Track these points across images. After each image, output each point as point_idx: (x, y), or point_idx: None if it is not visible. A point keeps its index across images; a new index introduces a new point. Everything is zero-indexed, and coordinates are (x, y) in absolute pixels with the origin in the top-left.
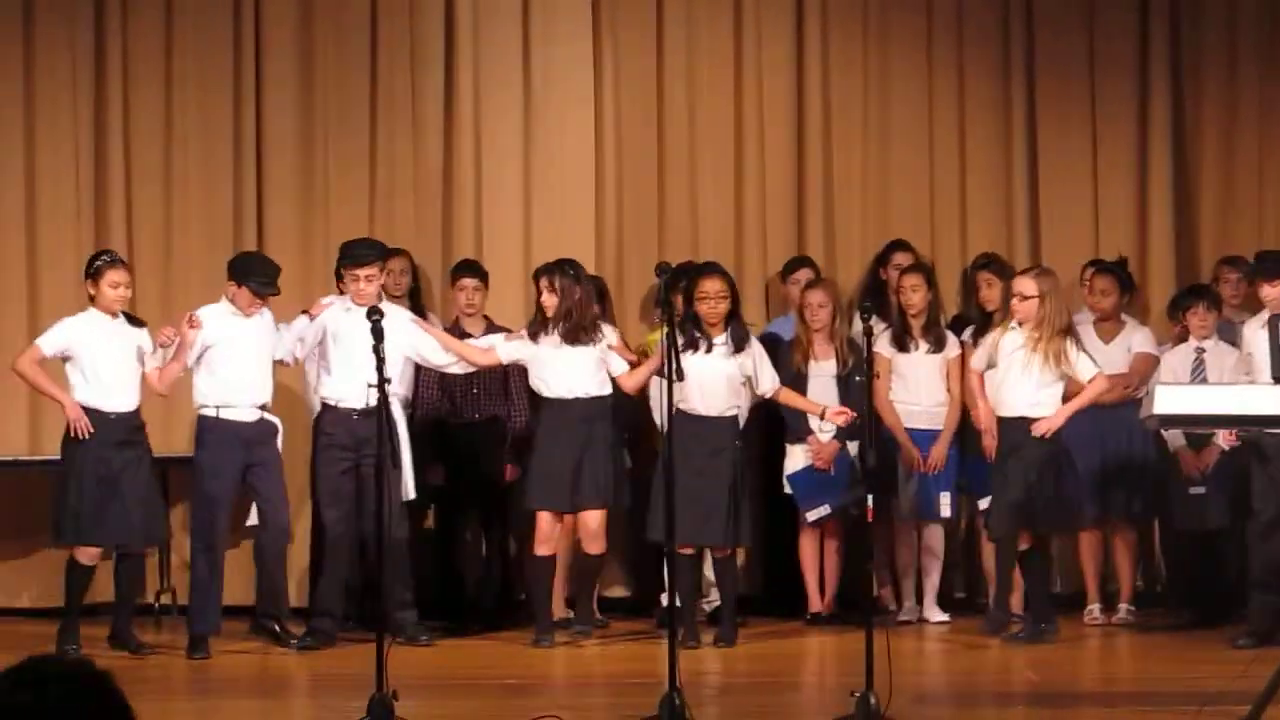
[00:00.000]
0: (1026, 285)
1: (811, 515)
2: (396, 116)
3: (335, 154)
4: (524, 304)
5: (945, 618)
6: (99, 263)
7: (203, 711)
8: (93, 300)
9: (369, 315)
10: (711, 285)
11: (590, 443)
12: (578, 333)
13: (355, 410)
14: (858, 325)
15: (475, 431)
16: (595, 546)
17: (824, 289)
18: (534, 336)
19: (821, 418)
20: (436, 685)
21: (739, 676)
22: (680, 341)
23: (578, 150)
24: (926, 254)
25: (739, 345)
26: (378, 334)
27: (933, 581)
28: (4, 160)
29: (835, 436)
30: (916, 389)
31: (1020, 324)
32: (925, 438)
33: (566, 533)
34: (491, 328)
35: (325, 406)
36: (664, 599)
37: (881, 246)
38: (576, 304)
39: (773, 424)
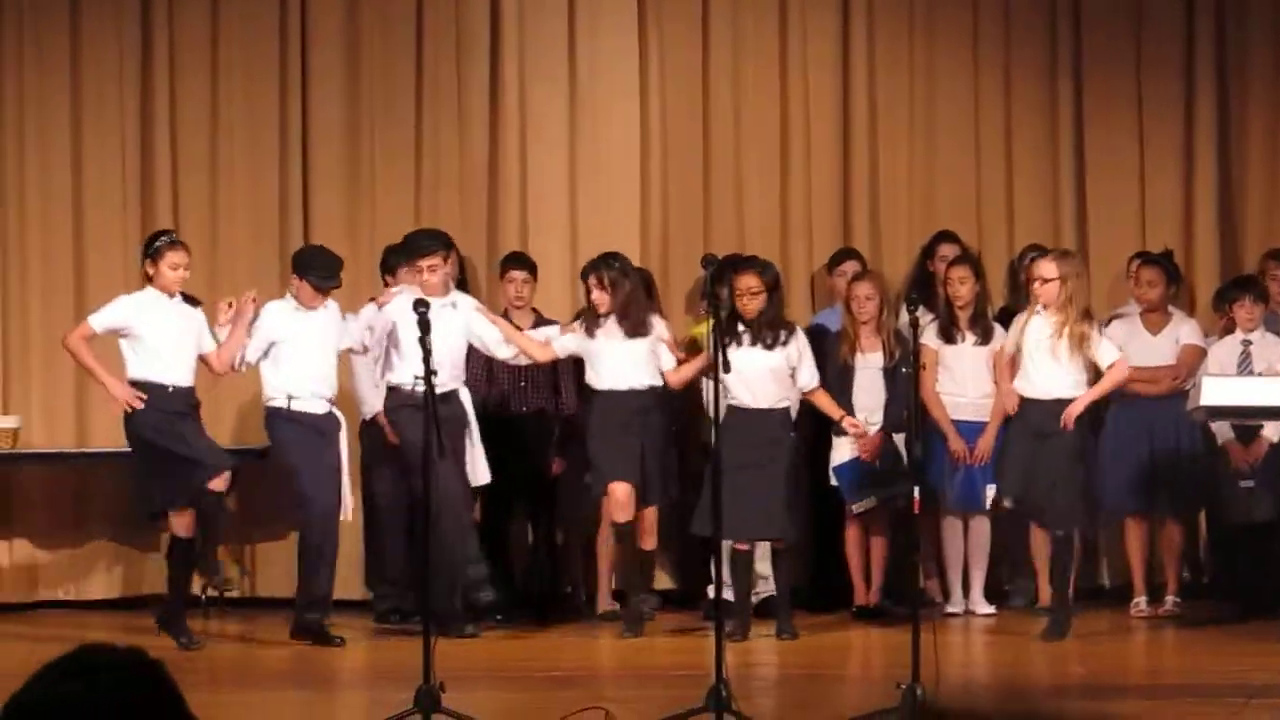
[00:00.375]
0: (1047, 268)
1: (857, 507)
2: (442, 107)
3: (381, 144)
4: (571, 296)
5: (992, 610)
6: (159, 243)
7: (249, 704)
8: (150, 280)
9: (415, 307)
10: (745, 281)
11: (646, 433)
12: (635, 325)
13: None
14: (904, 317)
15: (524, 424)
16: (649, 542)
17: (871, 281)
18: (589, 332)
19: (839, 423)
20: (483, 677)
21: (786, 669)
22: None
23: (623, 143)
24: (973, 247)
25: (782, 339)
26: (424, 326)
27: (979, 574)
28: (52, 151)
29: (881, 428)
30: (963, 381)
31: (1044, 308)
32: (972, 429)
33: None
34: (540, 320)
35: (397, 391)
36: (710, 592)
37: (928, 239)
38: (629, 296)
39: (820, 416)
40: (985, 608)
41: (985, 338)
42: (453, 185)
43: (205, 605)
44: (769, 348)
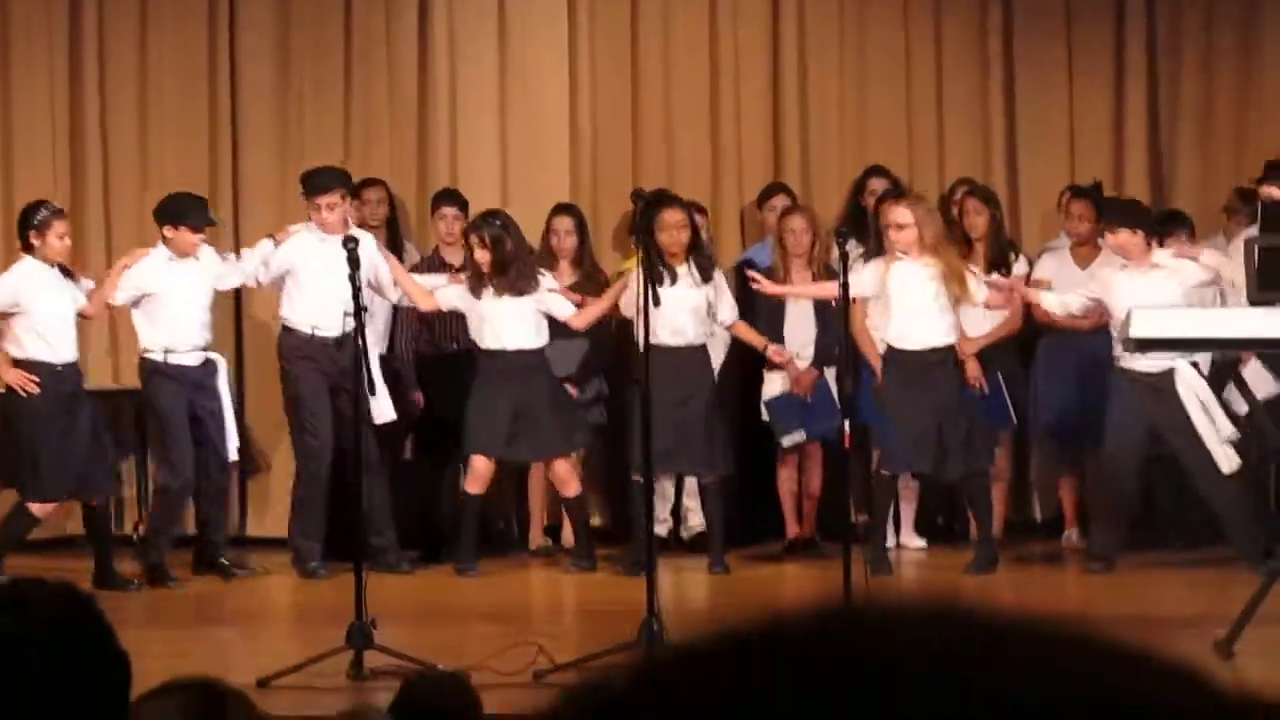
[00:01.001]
0: (901, 214)
1: (786, 440)
2: (372, 54)
3: (310, 95)
4: None
5: (923, 544)
6: (44, 213)
7: (181, 640)
8: (32, 251)
9: (345, 243)
10: (671, 216)
11: (528, 394)
12: (516, 284)
13: (330, 339)
14: (835, 252)
15: (455, 361)
16: (571, 490)
17: (803, 214)
18: (474, 291)
19: (763, 352)
20: (416, 614)
21: (718, 603)
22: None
23: (553, 83)
24: (904, 181)
25: (704, 275)
26: (353, 262)
27: (909, 508)
28: None
29: (813, 363)
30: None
31: (903, 254)
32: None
33: (539, 474)
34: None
35: (294, 333)
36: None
37: (859, 174)
38: (511, 254)
39: (751, 350)
40: (916, 541)
41: None
42: (382, 128)
43: (137, 544)
44: (692, 285)
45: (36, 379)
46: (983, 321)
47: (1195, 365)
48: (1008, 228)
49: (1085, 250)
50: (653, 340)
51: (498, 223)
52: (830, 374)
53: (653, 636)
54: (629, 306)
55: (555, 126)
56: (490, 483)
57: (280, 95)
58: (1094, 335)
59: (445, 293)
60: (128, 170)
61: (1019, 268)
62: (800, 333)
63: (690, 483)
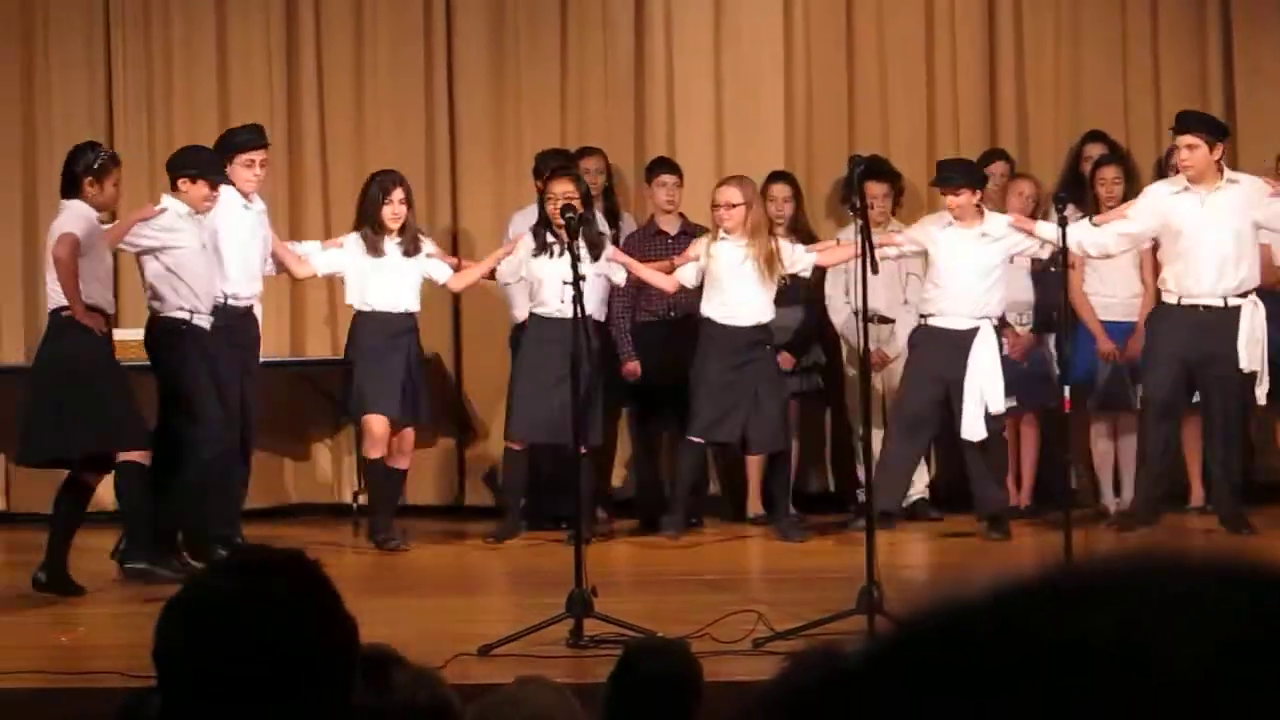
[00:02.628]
0: (732, 194)
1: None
2: (587, 15)
3: (526, 54)
4: None
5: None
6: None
7: (400, 608)
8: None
9: (563, 213)
10: (560, 187)
11: (410, 354)
12: (410, 245)
13: (242, 307)
14: (1054, 217)
15: (667, 327)
16: (404, 462)
17: (1027, 181)
18: (373, 249)
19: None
20: (635, 582)
21: (937, 572)
22: (533, 246)
23: (768, 49)
24: (1122, 146)
25: (593, 253)
26: (572, 231)
27: (1130, 474)
28: (198, 60)
29: (1032, 329)
30: (1112, 281)
31: (728, 233)
32: (1120, 329)
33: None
34: (687, 226)
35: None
36: (860, 495)
37: (1078, 138)
38: (412, 216)
39: None
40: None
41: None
42: (599, 94)
43: (355, 513)
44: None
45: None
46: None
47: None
48: None
49: None
50: (542, 311)
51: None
52: (1048, 340)
53: (872, 604)
54: (510, 273)
55: (770, 93)
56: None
57: (496, 68)
58: None
59: (322, 257)
60: (344, 150)
61: None
62: (1019, 297)
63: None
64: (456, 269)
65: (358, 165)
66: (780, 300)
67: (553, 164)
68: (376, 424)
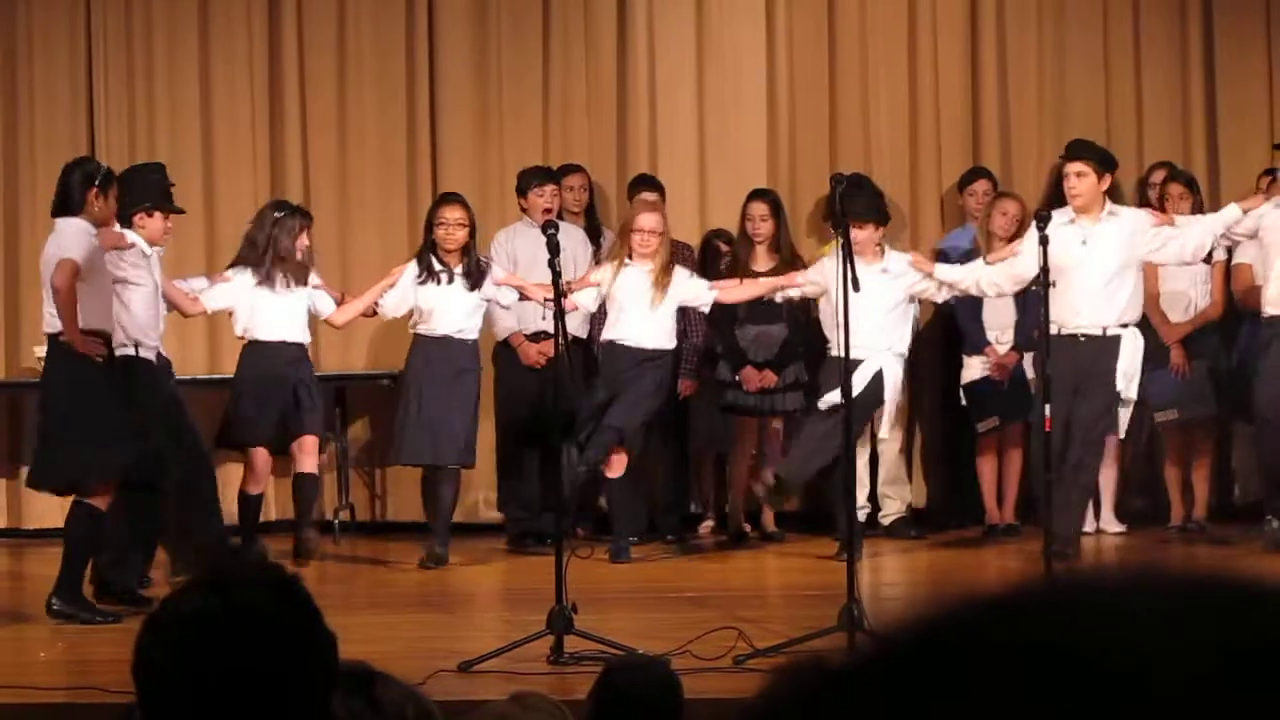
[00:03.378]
0: (655, 221)
1: (981, 427)
2: (570, 31)
3: (509, 72)
4: (699, 218)
5: (1122, 529)
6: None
7: (382, 625)
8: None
9: (544, 229)
10: (451, 213)
11: (298, 379)
12: (300, 276)
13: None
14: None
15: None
16: (311, 464)
17: (1012, 200)
18: (269, 281)
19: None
20: (615, 598)
21: (917, 589)
22: (419, 273)
23: (750, 65)
24: None
25: (475, 281)
26: (553, 248)
27: (1110, 493)
28: (181, 73)
29: (1013, 348)
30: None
31: (644, 259)
32: None
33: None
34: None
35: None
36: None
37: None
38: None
39: (953, 334)
40: (1116, 526)
41: None
42: (581, 111)
43: (336, 530)
44: (466, 284)
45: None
46: (1188, 308)
47: None
48: (1207, 209)
49: None
50: (424, 330)
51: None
52: (1028, 359)
53: (853, 621)
54: (393, 307)
55: (753, 111)
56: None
57: (479, 84)
58: None
59: (213, 294)
60: (326, 169)
61: (1219, 254)
62: (1000, 316)
63: (885, 470)
64: (340, 302)
65: (340, 183)
66: (762, 318)
67: (532, 180)
68: (259, 457)
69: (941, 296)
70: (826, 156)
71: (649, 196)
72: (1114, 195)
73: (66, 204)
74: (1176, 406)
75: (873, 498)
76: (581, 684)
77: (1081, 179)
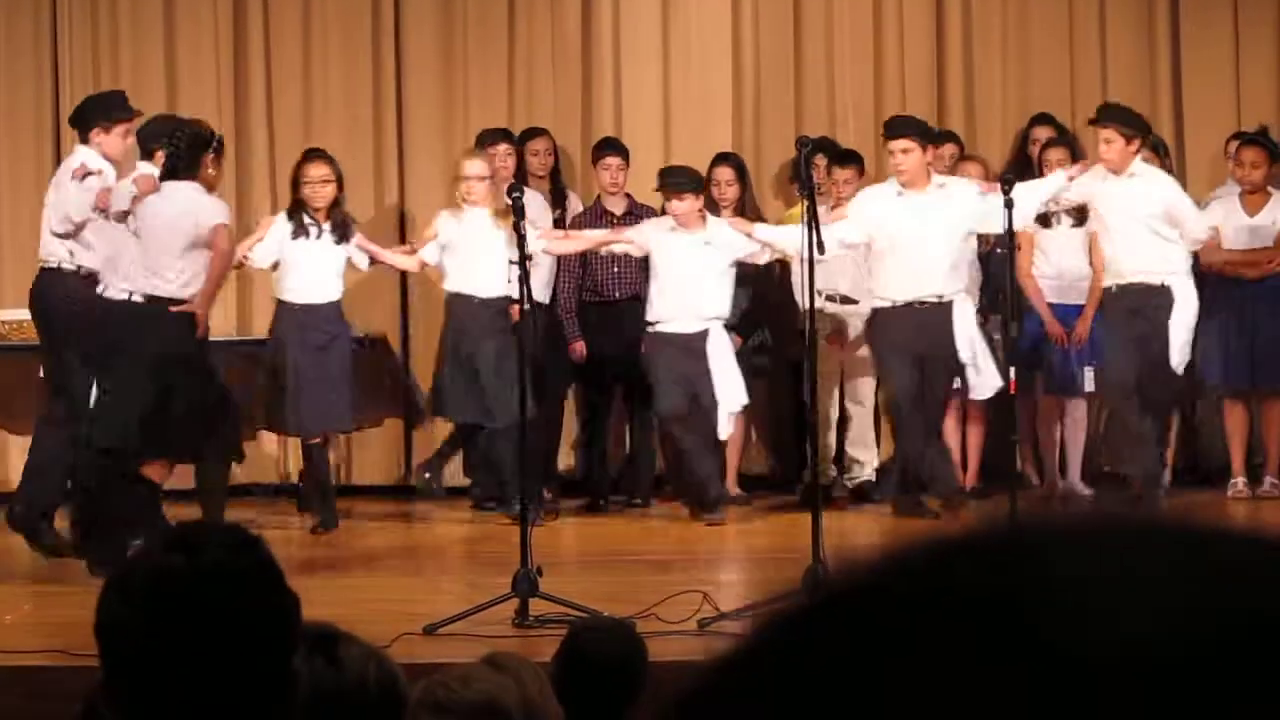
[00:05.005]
0: (480, 167)
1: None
2: (535, 4)
3: (474, 29)
4: None
5: (1089, 492)
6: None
7: (347, 587)
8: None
9: (509, 192)
10: (315, 170)
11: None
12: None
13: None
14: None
15: (620, 310)
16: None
17: (977, 163)
18: (305, 234)
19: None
20: (581, 562)
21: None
22: (290, 228)
23: (715, 27)
24: (1069, 129)
25: (342, 235)
26: (519, 211)
27: (1076, 456)
28: (146, 42)
29: (977, 311)
30: (1059, 263)
31: (473, 205)
32: (1068, 312)
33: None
34: (634, 206)
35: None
36: (805, 474)
37: (1023, 121)
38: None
39: None
40: (1082, 489)
41: (1081, 219)
42: (546, 75)
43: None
44: (333, 243)
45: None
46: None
47: None
48: (1175, 173)
49: (1256, 198)
50: (289, 297)
51: None
52: (994, 323)
53: (817, 583)
54: (264, 258)
55: (718, 74)
56: None
57: (444, 48)
58: (1262, 283)
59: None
60: (291, 129)
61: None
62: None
63: (854, 431)
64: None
65: (304, 146)
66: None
67: (485, 140)
68: None
69: (764, 258)
70: (792, 120)
71: (612, 161)
72: (1083, 160)
73: (178, 167)
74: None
75: (839, 460)
76: (546, 647)
77: (908, 155)
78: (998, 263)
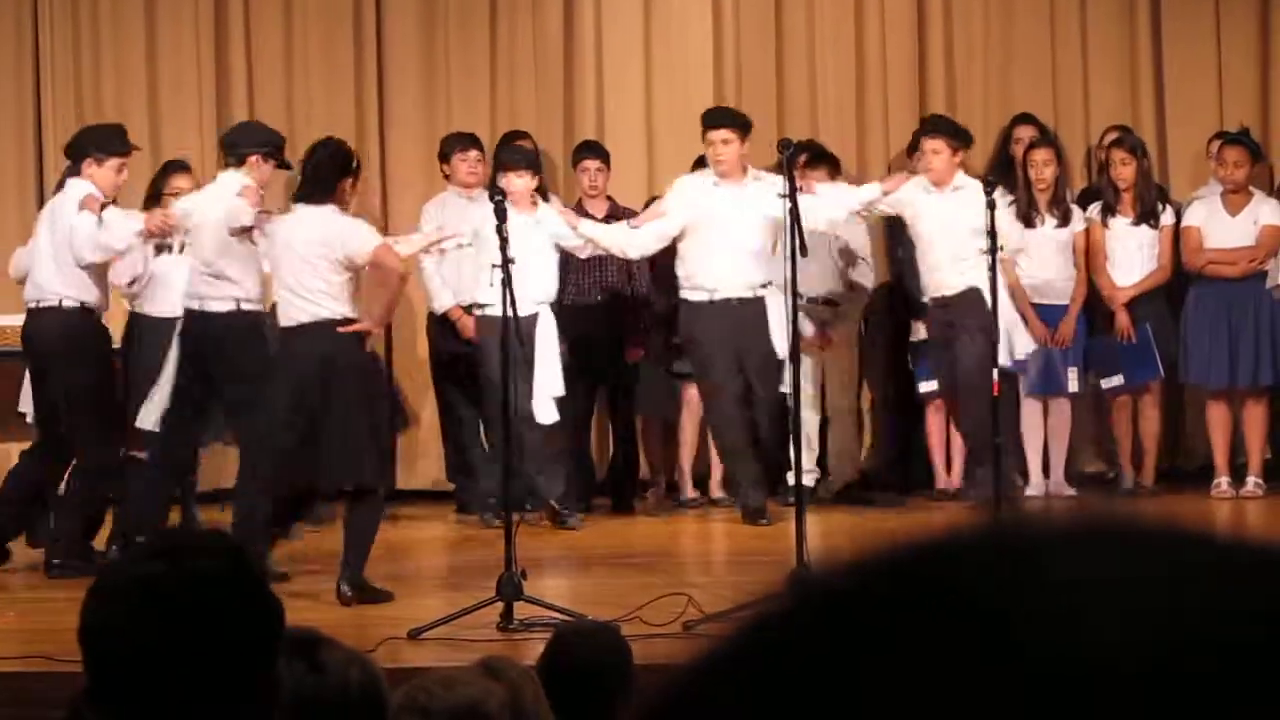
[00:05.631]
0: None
1: (924, 387)
2: (517, 6)
3: (456, 40)
4: (645, 185)
5: (1073, 493)
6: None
7: (332, 592)
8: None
9: (491, 195)
10: (180, 182)
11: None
12: None
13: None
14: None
15: (599, 311)
16: None
17: (823, 169)
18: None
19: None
20: (564, 564)
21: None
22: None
23: (697, 33)
24: (1051, 128)
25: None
26: (500, 214)
27: (1060, 457)
28: (126, 43)
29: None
30: (1044, 264)
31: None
32: (1052, 313)
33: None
34: (614, 208)
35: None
36: (790, 478)
37: (1005, 121)
38: None
39: (902, 296)
40: (1066, 490)
41: (1064, 220)
42: (527, 77)
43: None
44: None
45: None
46: (1132, 272)
47: None
48: (1156, 172)
49: (1238, 197)
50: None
51: None
52: None
53: (798, 584)
54: (120, 275)
55: (699, 77)
56: None
57: (426, 51)
58: (1244, 283)
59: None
60: (271, 110)
61: (1166, 218)
62: None
63: (837, 433)
64: None
65: (287, 153)
66: None
67: (454, 145)
68: None
69: (586, 252)
70: (774, 121)
71: (590, 164)
72: (1065, 161)
73: (318, 189)
74: (1122, 372)
75: (822, 462)
76: (531, 650)
77: (728, 145)
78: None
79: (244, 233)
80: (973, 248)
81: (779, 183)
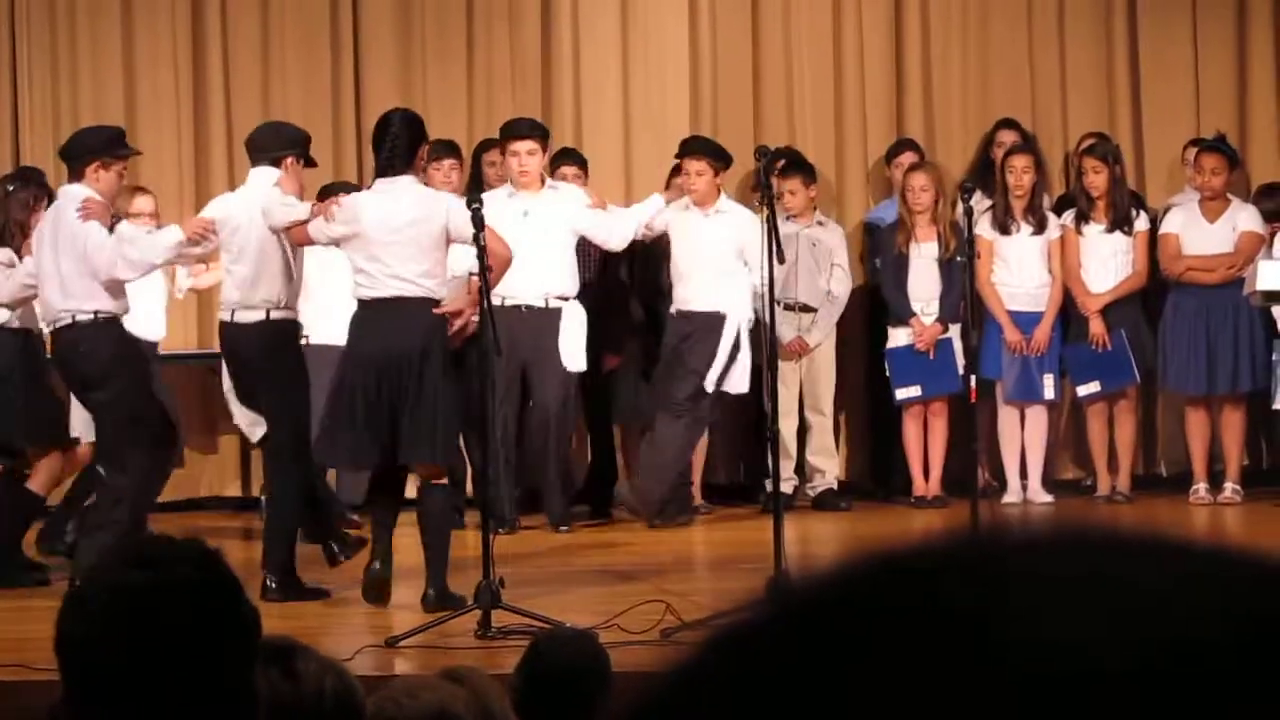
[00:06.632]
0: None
1: (900, 394)
2: (494, 12)
3: (433, 46)
4: (623, 192)
5: (1050, 499)
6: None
7: (309, 602)
8: None
9: (469, 203)
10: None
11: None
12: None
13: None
14: (960, 207)
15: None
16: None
17: (926, 171)
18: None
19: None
20: (543, 573)
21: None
22: None
23: (674, 39)
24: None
25: None
26: (479, 222)
27: (1037, 463)
28: (103, 46)
29: (939, 319)
30: (1019, 271)
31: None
32: (1028, 320)
33: None
34: None
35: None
36: (768, 484)
37: (982, 128)
38: None
39: (880, 304)
40: (1044, 496)
41: (1040, 227)
42: (505, 85)
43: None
44: None
45: None
46: (1106, 279)
47: None
48: (1133, 178)
49: (1215, 204)
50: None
51: None
52: (954, 331)
53: (774, 592)
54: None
55: (676, 83)
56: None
57: (403, 59)
58: (1222, 290)
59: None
60: (248, 116)
61: (1141, 224)
62: (924, 288)
63: (815, 440)
64: None
65: None
66: None
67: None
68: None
69: (615, 242)
70: (751, 128)
71: (568, 171)
72: (1045, 167)
73: (398, 160)
74: (1098, 379)
75: (800, 469)
76: (509, 658)
77: (532, 156)
78: (957, 271)
79: (296, 227)
80: (725, 272)
81: (576, 192)
